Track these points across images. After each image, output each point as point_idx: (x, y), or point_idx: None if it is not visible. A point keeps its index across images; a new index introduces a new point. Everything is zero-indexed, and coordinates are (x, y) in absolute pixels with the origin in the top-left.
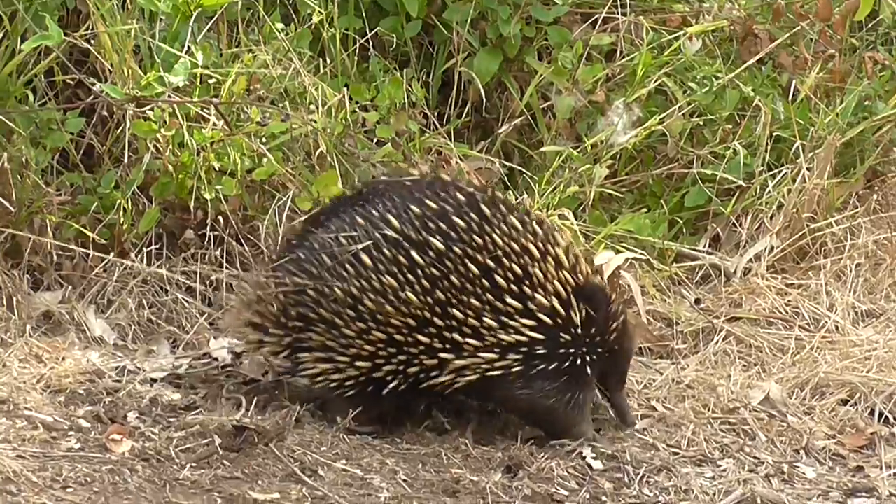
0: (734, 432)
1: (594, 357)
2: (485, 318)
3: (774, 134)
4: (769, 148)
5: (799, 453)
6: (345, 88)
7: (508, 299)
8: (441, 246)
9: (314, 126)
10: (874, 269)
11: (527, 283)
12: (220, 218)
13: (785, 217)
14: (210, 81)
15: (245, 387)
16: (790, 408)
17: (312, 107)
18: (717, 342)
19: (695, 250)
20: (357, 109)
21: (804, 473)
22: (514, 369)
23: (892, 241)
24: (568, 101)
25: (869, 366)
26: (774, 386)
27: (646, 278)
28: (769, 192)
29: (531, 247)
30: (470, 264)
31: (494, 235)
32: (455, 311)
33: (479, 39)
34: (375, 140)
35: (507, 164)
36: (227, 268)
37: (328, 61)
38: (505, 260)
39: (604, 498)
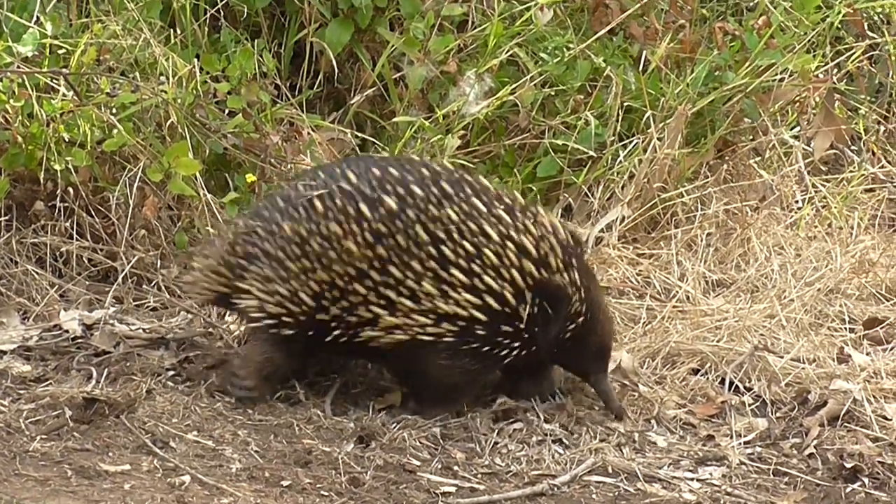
0: (587, 403)
1: (533, 349)
2: (424, 283)
3: (625, 104)
4: (620, 118)
5: (650, 422)
6: (195, 59)
7: (453, 270)
8: (393, 206)
9: (165, 97)
10: (724, 238)
11: (477, 261)
12: (70, 189)
13: (636, 187)
14: (59, 52)
15: (96, 358)
16: (641, 377)
17: (163, 77)
18: None
19: None
20: (208, 80)
21: (655, 442)
22: (446, 339)
23: (742, 211)
24: (420, 71)
25: (719, 335)
26: (626, 355)
27: None
28: (620, 162)
29: (490, 230)
30: (419, 230)
31: (450, 210)
32: (394, 270)
33: (331, 10)
34: (227, 111)
35: (360, 134)
36: (77, 239)
37: (179, 31)
38: (456, 235)
39: (455, 468)
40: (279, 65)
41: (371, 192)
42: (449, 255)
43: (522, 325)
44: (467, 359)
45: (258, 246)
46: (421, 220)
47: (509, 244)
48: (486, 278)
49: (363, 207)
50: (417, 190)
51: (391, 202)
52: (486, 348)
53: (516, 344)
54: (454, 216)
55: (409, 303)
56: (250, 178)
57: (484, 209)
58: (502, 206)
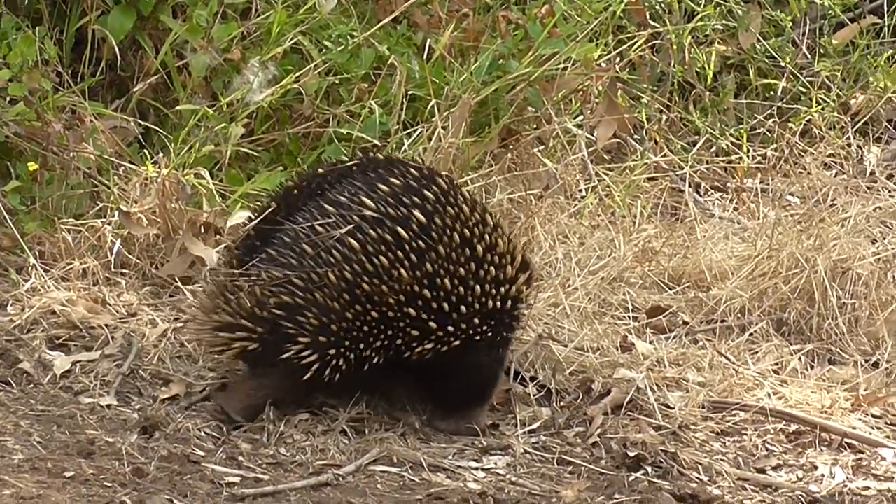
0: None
1: None
2: (470, 285)
3: (410, 93)
4: (405, 107)
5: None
6: None
7: (487, 266)
8: (423, 218)
9: None
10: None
11: (495, 251)
12: None
13: None
14: None
15: None
16: None
17: None
18: None
19: None
20: None
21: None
22: (488, 335)
23: (526, 200)
24: (203, 59)
25: None
26: None
27: None
28: (405, 150)
29: (487, 217)
30: (453, 233)
31: (464, 206)
32: (445, 282)
33: None
34: (8, 98)
35: (143, 122)
36: None
37: None
38: (476, 230)
39: (240, 458)
40: (61, 52)
41: (396, 212)
42: (479, 251)
43: (530, 301)
44: (502, 350)
45: (300, 296)
46: (448, 224)
47: (498, 228)
48: (509, 268)
49: (399, 230)
50: (428, 193)
51: (419, 214)
52: (512, 334)
53: (522, 325)
54: (466, 210)
55: (463, 309)
56: (32, 166)
57: (466, 194)
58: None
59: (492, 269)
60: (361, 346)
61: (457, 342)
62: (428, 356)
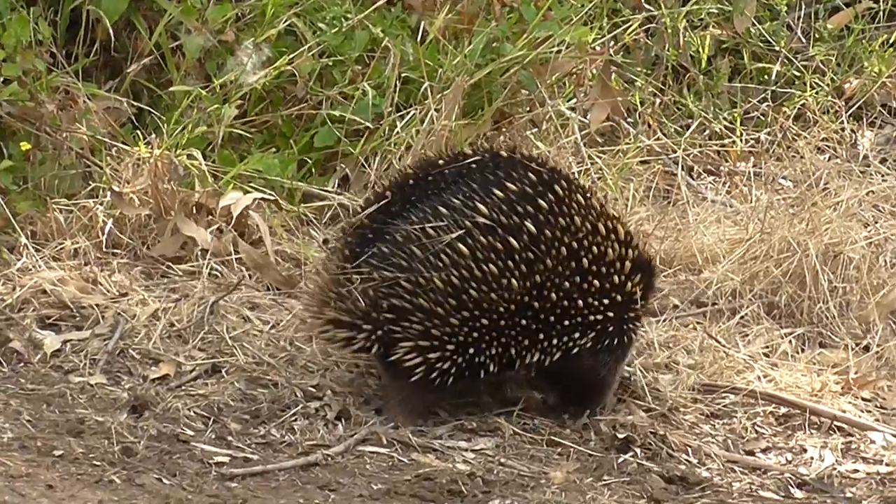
0: (362, 373)
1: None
2: (574, 299)
3: (403, 75)
4: (398, 89)
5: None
6: None
7: (591, 279)
8: (534, 229)
9: None
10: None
11: (603, 262)
12: None
13: (413, 158)
14: None
15: None
16: None
17: None
18: None
19: (323, 191)
20: None
21: (437, 413)
22: (588, 345)
23: None
24: (197, 40)
25: None
26: None
27: (274, 219)
28: (398, 133)
29: (600, 225)
30: (561, 246)
31: (575, 217)
32: (552, 294)
33: None
34: (2, 79)
35: (136, 103)
36: None
37: None
38: (585, 242)
39: (230, 438)
40: (55, 33)
41: (509, 221)
42: (586, 264)
43: (638, 304)
44: (606, 355)
45: (406, 300)
46: (558, 237)
47: (612, 234)
48: (615, 277)
49: (510, 240)
50: (542, 203)
51: (530, 226)
52: (616, 340)
53: (635, 326)
54: (577, 221)
55: (567, 321)
56: (25, 146)
57: (584, 202)
58: (588, 191)
59: (595, 281)
60: (471, 351)
61: (558, 353)
62: (533, 367)
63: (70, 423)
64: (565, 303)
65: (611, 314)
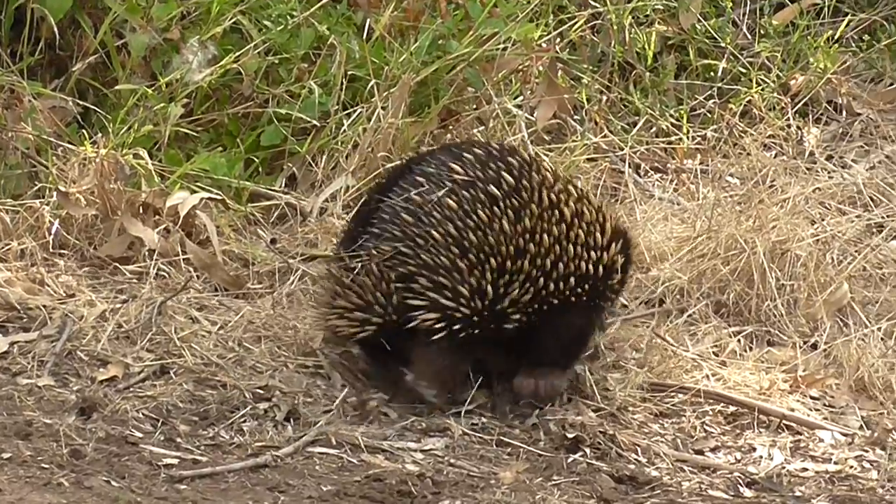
0: (311, 374)
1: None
2: (564, 246)
3: (349, 73)
4: (344, 87)
5: (379, 392)
6: None
7: (576, 230)
8: (511, 180)
9: None
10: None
11: (581, 220)
12: None
13: (360, 156)
14: None
15: None
16: None
17: None
18: (292, 282)
19: (271, 190)
20: None
21: (387, 413)
22: (583, 298)
23: None
24: (142, 38)
25: None
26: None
27: (221, 218)
28: (344, 131)
29: (570, 187)
30: (542, 197)
31: (546, 173)
32: (544, 237)
33: None
34: None
35: (82, 102)
36: None
37: None
38: (563, 196)
39: (179, 440)
40: None
41: (485, 174)
42: (567, 215)
43: (618, 275)
44: (594, 315)
45: (412, 263)
46: (535, 187)
47: (585, 200)
48: (598, 235)
49: (492, 189)
50: (513, 160)
51: (507, 176)
52: (607, 304)
53: (614, 298)
54: (551, 178)
55: (561, 267)
56: None
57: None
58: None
59: (580, 232)
60: (492, 294)
61: (555, 301)
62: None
63: (18, 425)
64: (557, 248)
65: (599, 272)
